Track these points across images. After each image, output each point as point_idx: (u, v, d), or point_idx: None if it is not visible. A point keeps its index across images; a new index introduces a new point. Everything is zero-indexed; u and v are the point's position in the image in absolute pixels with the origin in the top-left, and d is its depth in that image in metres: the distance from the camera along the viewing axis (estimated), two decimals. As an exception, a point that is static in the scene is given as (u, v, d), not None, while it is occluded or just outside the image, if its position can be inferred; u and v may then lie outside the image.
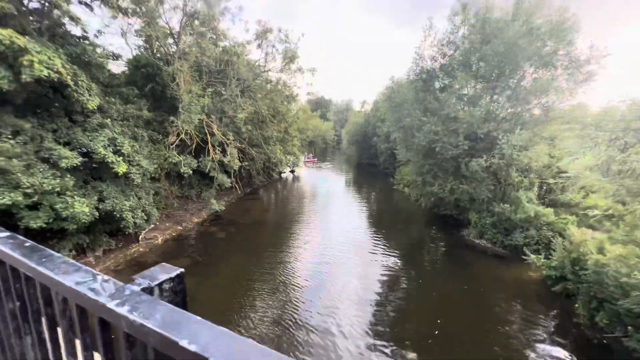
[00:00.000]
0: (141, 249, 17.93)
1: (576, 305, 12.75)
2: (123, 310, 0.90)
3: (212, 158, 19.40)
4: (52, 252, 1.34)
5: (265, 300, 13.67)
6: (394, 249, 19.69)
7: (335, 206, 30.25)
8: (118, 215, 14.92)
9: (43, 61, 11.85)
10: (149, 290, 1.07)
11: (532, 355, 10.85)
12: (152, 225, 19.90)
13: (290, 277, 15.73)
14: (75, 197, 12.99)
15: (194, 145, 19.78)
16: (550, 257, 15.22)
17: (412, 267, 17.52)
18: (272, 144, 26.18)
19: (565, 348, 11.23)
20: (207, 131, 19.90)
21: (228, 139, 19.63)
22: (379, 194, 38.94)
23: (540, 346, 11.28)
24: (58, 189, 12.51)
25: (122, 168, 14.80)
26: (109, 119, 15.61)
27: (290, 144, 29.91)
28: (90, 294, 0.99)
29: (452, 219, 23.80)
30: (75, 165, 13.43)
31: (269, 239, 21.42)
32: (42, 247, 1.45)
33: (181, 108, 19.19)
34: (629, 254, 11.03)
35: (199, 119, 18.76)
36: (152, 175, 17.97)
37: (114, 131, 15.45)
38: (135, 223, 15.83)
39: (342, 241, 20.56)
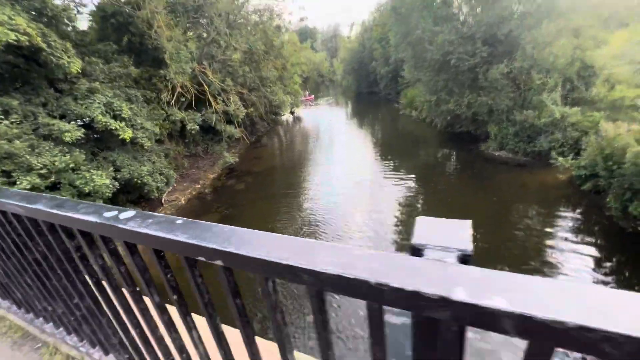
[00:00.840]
0: (168, 212, 18.12)
1: (607, 199, 12.88)
2: (488, 301, 0.51)
3: (215, 109, 18.16)
4: (233, 227, 0.92)
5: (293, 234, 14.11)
6: (410, 171, 19.74)
7: (341, 141, 29.77)
8: (139, 182, 14.64)
9: (4, 22, 10.20)
10: (462, 260, 0.67)
11: (564, 244, 11.42)
12: (171, 188, 19.82)
13: (311, 213, 16.13)
14: (92, 170, 12.53)
15: (192, 99, 18.39)
16: (577, 157, 15.02)
17: (431, 185, 17.77)
18: (270, 84, 24.34)
19: (595, 236, 11.80)
20: (201, 80, 18.25)
21: (227, 86, 18.05)
22: (385, 122, 37.90)
23: (572, 236, 11.82)
24: (72, 165, 11.99)
25: (128, 134, 13.97)
26: (97, 82, 14.22)
27: (291, 81, 27.66)
28: (384, 278, 0.60)
29: (468, 136, 23.20)
30: (78, 138, 12.65)
31: (286, 182, 21.45)
32: (210, 222, 0.99)
33: (168, 58, 17.30)
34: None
35: (191, 68, 17.03)
36: (157, 137, 17.16)
37: (107, 95, 14.19)
38: (157, 187, 15.64)
39: (354, 173, 20.68)
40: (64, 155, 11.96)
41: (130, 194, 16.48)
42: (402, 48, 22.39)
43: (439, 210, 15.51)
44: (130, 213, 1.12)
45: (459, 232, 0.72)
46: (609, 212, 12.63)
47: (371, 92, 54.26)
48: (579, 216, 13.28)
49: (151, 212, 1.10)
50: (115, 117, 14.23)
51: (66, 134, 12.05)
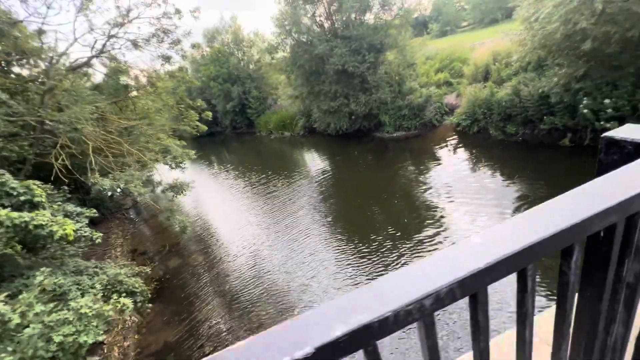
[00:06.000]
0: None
1: (490, 131, 19.97)
2: None
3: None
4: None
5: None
6: (328, 169, 21.56)
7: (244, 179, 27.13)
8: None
9: None
10: None
11: (479, 163, 17.24)
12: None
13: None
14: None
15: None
16: (447, 116, 22.16)
17: (354, 176, 20.49)
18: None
19: (492, 152, 18.53)
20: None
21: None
22: (262, 149, 37.20)
23: (479, 156, 17.94)
24: None
25: (69, 227, 7.40)
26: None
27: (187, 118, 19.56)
28: None
29: (360, 132, 27.48)
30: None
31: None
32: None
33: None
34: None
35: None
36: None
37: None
38: (140, 303, 8.96)
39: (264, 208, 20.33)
40: None
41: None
42: (295, 68, 24.10)
43: (374, 192, 17.51)
44: None
45: None
46: (493, 137, 19.64)
47: (213, 132, 51.45)
48: (472, 146, 20.04)
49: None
50: (15, 206, 7.21)
51: None
